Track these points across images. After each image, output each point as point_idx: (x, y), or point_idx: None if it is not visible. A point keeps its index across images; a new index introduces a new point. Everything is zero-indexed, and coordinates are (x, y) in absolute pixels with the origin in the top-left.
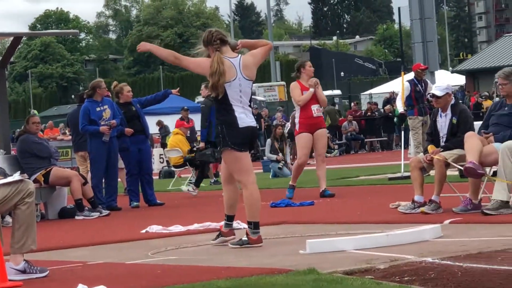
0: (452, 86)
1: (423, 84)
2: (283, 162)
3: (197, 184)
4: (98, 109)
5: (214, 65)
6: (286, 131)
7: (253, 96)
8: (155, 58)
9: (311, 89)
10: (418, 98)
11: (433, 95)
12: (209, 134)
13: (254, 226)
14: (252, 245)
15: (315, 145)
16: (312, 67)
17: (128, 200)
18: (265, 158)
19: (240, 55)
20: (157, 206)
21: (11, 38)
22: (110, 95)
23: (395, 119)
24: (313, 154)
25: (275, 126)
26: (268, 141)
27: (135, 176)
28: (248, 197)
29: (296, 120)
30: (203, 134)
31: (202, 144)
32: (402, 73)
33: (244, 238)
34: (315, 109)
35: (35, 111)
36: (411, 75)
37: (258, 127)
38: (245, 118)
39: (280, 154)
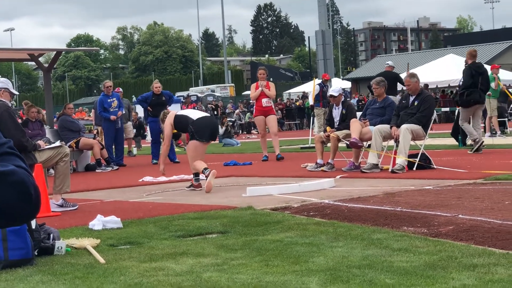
0: (343, 88)
1: (327, 86)
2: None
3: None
4: (109, 100)
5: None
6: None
7: (212, 92)
8: (149, 67)
9: (260, 88)
10: (323, 96)
11: (331, 95)
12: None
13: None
14: (195, 189)
15: (268, 125)
16: (265, 73)
17: (151, 158)
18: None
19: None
20: (172, 163)
21: (54, 52)
22: (121, 91)
23: (306, 109)
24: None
25: (223, 116)
26: (222, 129)
27: (158, 142)
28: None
29: (253, 108)
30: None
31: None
32: (314, 79)
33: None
34: (265, 101)
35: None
36: (318, 81)
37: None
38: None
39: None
